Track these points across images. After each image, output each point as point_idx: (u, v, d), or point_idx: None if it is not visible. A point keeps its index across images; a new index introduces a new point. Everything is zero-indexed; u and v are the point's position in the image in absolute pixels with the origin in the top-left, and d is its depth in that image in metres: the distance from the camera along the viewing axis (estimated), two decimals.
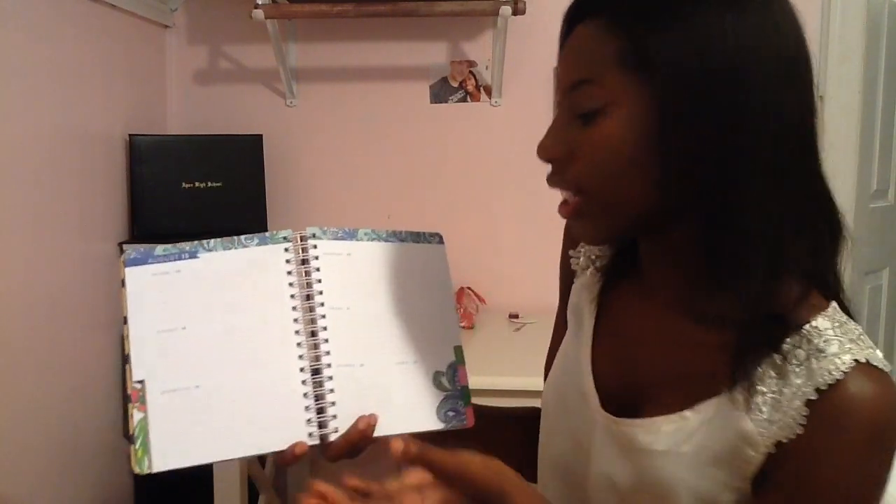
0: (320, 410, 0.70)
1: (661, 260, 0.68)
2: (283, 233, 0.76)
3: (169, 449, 0.67)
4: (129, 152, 1.82)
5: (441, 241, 0.82)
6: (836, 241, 0.64)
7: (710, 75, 0.57)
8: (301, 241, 0.75)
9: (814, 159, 0.63)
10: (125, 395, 0.69)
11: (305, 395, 0.70)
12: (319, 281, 0.74)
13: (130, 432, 0.67)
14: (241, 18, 1.89)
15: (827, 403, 0.57)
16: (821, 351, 0.59)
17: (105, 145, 1.74)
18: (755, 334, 0.60)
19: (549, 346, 0.93)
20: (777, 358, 0.60)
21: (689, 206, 0.60)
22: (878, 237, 2.23)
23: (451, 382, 0.76)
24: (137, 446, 0.66)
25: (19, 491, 1.42)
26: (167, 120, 2.07)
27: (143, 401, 0.68)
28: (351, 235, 0.77)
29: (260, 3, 1.76)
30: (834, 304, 0.63)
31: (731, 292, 0.60)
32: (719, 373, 0.62)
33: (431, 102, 2.03)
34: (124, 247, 1.78)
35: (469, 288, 1.97)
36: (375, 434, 0.70)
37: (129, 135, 1.82)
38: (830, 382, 0.57)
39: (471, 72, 2.02)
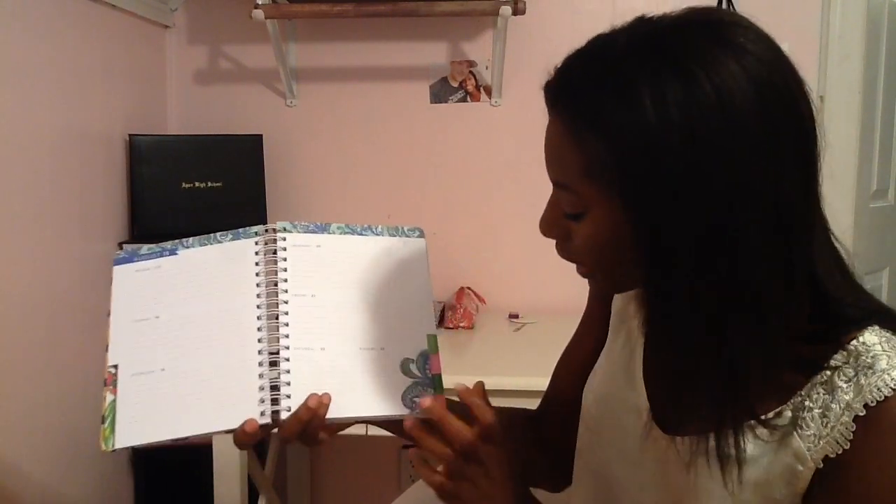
0: (274, 390, 0.72)
1: None
2: (256, 228, 0.79)
3: (132, 427, 0.71)
4: (129, 152, 1.82)
5: (421, 235, 0.84)
6: (847, 277, 0.64)
7: (669, 181, 0.55)
8: (270, 233, 0.78)
9: (808, 228, 0.61)
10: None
11: (261, 375, 0.72)
12: (285, 270, 0.77)
13: (102, 413, 0.71)
14: (241, 18, 1.89)
15: (875, 419, 0.58)
16: (869, 367, 0.59)
17: (105, 145, 1.74)
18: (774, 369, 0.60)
19: (572, 338, 0.91)
20: (825, 374, 0.60)
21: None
22: (878, 237, 2.23)
23: (420, 370, 0.76)
24: (106, 426, 0.71)
25: (19, 491, 1.42)
26: (167, 120, 2.07)
27: (115, 384, 0.73)
28: (322, 229, 0.80)
29: (260, 3, 1.76)
30: (876, 325, 0.62)
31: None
32: (766, 392, 0.61)
33: (431, 102, 2.03)
34: (124, 247, 1.78)
35: (469, 288, 1.97)
36: (333, 415, 0.71)
37: (129, 135, 1.82)
38: (879, 399, 0.57)
39: (471, 72, 2.02)
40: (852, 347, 0.60)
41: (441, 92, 2.03)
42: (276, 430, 0.71)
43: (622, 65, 0.57)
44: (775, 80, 0.56)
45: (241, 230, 0.79)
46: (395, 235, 0.83)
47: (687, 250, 0.56)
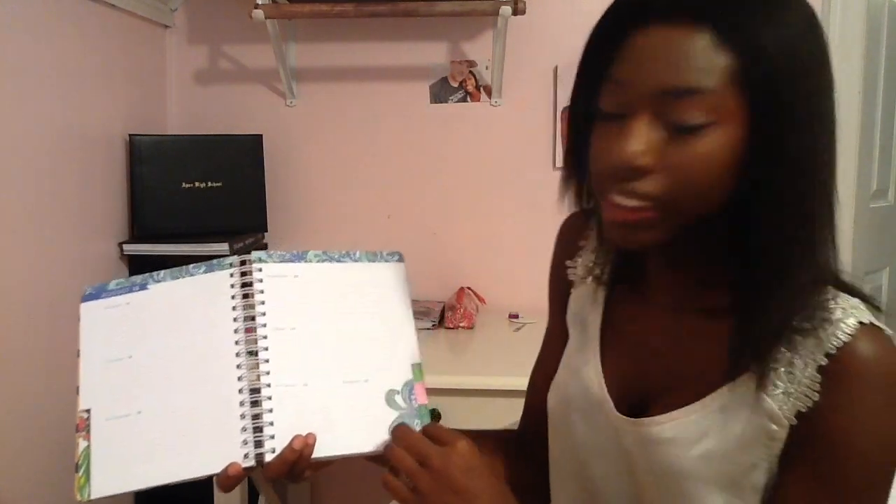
0: (258, 431, 0.69)
1: (671, 261, 0.69)
2: (229, 259, 0.76)
3: (109, 475, 0.68)
4: (129, 152, 1.82)
5: (400, 260, 0.81)
6: (834, 235, 0.65)
7: (802, 94, 0.58)
8: (245, 264, 0.75)
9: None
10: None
11: (243, 416, 0.70)
12: (263, 303, 0.74)
13: (76, 461, 0.68)
14: (241, 18, 1.89)
15: (838, 366, 0.59)
16: (825, 320, 0.61)
17: (105, 145, 1.75)
18: (768, 320, 0.61)
19: (539, 353, 0.93)
20: (786, 334, 0.62)
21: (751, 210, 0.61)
22: (878, 237, 2.23)
23: (406, 401, 0.74)
24: (80, 474, 0.68)
25: (19, 491, 1.42)
26: (167, 120, 2.07)
27: (88, 430, 0.70)
28: (299, 258, 0.77)
29: (260, 3, 1.76)
30: (829, 286, 0.65)
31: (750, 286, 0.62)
32: (728, 360, 0.63)
33: (431, 102, 2.03)
34: (124, 247, 1.78)
35: (469, 288, 1.97)
36: (320, 455, 0.70)
37: (129, 135, 1.82)
38: (838, 346, 0.59)
39: (471, 72, 2.02)
40: (809, 307, 0.62)
41: (441, 92, 2.03)
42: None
43: None
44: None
45: (214, 262, 0.76)
46: (373, 261, 0.80)
47: (793, 169, 0.59)
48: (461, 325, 1.79)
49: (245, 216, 1.95)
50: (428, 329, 1.78)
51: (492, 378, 1.44)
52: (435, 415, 1.42)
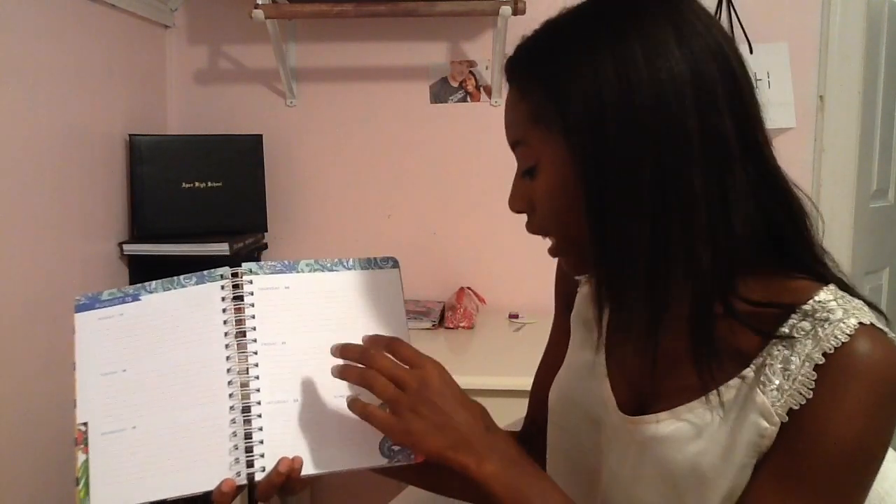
0: (248, 451, 0.69)
1: None
2: (220, 270, 0.76)
3: (108, 490, 0.69)
4: (129, 152, 1.82)
5: (395, 266, 0.80)
6: (799, 226, 0.65)
7: (601, 119, 0.60)
8: (236, 277, 0.75)
9: (744, 166, 0.62)
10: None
11: (234, 434, 0.70)
12: (253, 317, 0.73)
13: (76, 474, 0.69)
14: (241, 18, 1.89)
15: (834, 364, 0.59)
16: (825, 319, 0.61)
17: (105, 145, 1.74)
18: (704, 325, 0.62)
19: (544, 353, 0.93)
20: (782, 332, 0.62)
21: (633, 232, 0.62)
22: (878, 237, 2.23)
23: None
24: (80, 487, 0.69)
25: (19, 491, 1.42)
26: (167, 120, 2.07)
27: (86, 443, 0.71)
28: (290, 268, 0.77)
29: (260, 3, 1.76)
30: (833, 285, 0.65)
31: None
32: (725, 360, 0.63)
33: (431, 102, 2.03)
34: (124, 247, 1.78)
35: (469, 288, 1.97)
36: (309, 472, 0.70)
37: (129, 135, 1.82)
38: (836, 345, 0.59)
39: (471, 72, 2.02)
40: (808, 307, 0.62)
41: (441, 92, 2.03)
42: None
43: (558, 25, 0.66)
44: (701, 30, 0.62)
45: (205, 273, 0.76)
46: (367, 268, 0.79)
47: (620, 184, 0.60)
48: (461, 325, 1.79)
49: (245, 216, 1.95)
50: (428, 329, 1.78)
51: (492, 378, 1.44)
52: None
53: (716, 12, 1.87)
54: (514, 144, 0.69)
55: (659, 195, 0.60)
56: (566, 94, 0.62)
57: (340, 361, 0.72)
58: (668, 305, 0.62)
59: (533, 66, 0.65)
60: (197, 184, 1.88)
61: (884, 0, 2.12)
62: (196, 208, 1.87)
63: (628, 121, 0.60)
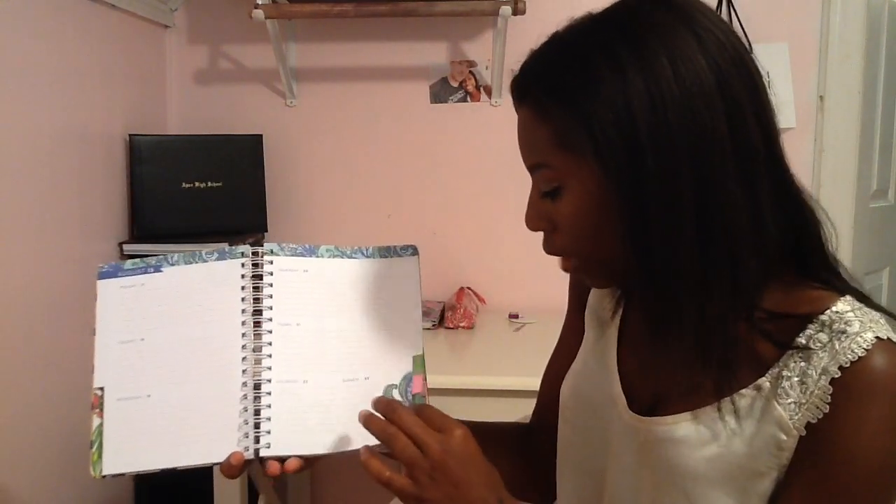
0: (257, 426, 0.71)
1: None
2: (242, 248, 0.77)
3: (119, 455, 0.71)
4: (129, 152, 1.82)
5: (414, 253, 0.82)
6: (815, 234, 0.66)
7: (635, 137, 0.59)
8: (257, 256, 0.76)
9: (770, 173, 0.63)
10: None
11: (245, 409, 0.72)
12: (271, 297, 0.75)
13: (90, 437, 0.71)
14: (241, 18, 1.89)
15: (851, 379, 0.59)
16: (843, 332, 0.60)
17: (105, 145, 1.74)
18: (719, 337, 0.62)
19: (555, 348, 0.93)
20: (799, 343, 0.62)
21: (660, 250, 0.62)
22: (878, 237, 2.23)
23: (403, 394, 0.75)
24: (94, 450, 0.71)
25: (19, 491, 1.42)
26: (167, 120, 2.07)
27: (101, 407, 0.72)
28: (311, 252, 0.78)
29: (260, 3, 1.76)
30: (849, 296, 0.64)
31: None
32: (742, 367, 0.63)
33: (431, 102, 2.03)
34: (124, 247, 1.78)
35: (469, 288, 1.97)
36: (315, 452, 0.71)
37: (129, 135, 1.82)
38: (853, 360, 0.59)
39: (471, 72, 2.02)
40: (825, 317, 0.62)
41: (441, 92, 2.03)
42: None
43: (576, 43, 0.64)
44: (722, 39, 0.62)
45: (227, 249, 0.77)
46: (386, 256, 0.81)
47: (661, 201, 0.59)
48: (461, 325, 1.79)
49: (245, 216, 1.95)
50: (428, 329, 1.78)
51: (492, 378, 1.44)
52: None
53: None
54: (534, 167, 0.67)
55: (701, 206, 0.59)
56: (594, 114, 0.60)
57: (352, 346, 0.74)
58: (713, 312, 0.61)
59: (550, 85, 0.64)
60: (197, 184, 1.88)
61: (884, 0, 2.12)
62: (196, 208, 1.87)
63: (663, 135, 0.58)
